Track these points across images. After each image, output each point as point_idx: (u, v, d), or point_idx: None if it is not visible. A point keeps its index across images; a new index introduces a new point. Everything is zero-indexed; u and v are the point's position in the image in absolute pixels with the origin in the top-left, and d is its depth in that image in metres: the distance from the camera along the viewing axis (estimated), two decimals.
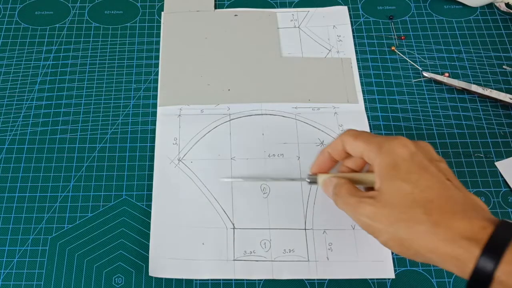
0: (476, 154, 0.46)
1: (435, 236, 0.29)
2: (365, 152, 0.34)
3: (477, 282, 0.27)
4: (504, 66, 0.51)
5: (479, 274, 0.27)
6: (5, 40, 0.54)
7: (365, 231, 0.33)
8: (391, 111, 0.49)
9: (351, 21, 0.55)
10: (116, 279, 0.41)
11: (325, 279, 0.40)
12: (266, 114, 0.48)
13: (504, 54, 0.52)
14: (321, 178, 0.38)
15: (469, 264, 0.27)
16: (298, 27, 0.54)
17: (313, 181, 0.39)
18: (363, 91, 0.50)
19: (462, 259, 0.28)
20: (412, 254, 0.30)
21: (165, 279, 0.40)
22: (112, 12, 0.56)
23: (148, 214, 0.43)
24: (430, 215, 0.29)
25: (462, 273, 0.28)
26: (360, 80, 0.50)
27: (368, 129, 0.47)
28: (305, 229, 0.42)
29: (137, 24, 0.55)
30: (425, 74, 0.50)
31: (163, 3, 0.56)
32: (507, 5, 0.55)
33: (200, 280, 0.40)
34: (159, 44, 0.53)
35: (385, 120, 0.48)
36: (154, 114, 0.49)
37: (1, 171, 0.46)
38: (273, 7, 0.56)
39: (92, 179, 0.45)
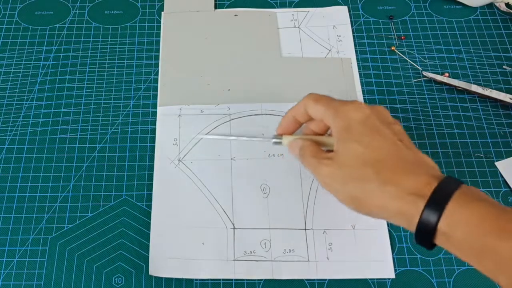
0: (476, 154, 0.46)
1: (384, 194, 0.30)
2: (324, 116, 0.35)
3: (423, 234, 0.29)
4: (504, 66, 0.51)
5: (424, 227, 0.29)
6: (5, 40, 0.54)
7: (324, 189, 0.34)
8: (391, 111, 0.49)
9: (351, 21, 0.55)
10: (116, 279, 0.41)
11: (325, 279, 0.40)
12: (266, 114, 0.48)
13: (504, 54, 0.52)
14: (286, 139, 0.39)
15: (415, 218, 0.29)
16: (298, 27, 0.54)
17: (278, 142, 0.40)
18: (363, 91, 0.50)
19: (409, 213, 0.29)
20: (366, 211, 0.32)
21: (165, 279, 0.40)
22: (112, 12, 0.56)
23: (148, 214, 0.43)
24: (379, 173, 0.31)
25: (409, 227, 0.30)
26: (360, 80, 0.50)
27: None
28: (305, 229, 0.42)
29: (137, 24, 0.55)
30: (425, 74, 0.50)
31: (163, 3, 0.56)
32: (507, 5, 0.55)
33: (200, 280, 0.40)
34: (159, 44, 0.53)
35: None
36: (154, 114, 0.49)
37: (1, 171, 0.46)
38: (273, 7, 0.56)
39: (92, 179, 0.45)
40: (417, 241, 0.30)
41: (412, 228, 0.29)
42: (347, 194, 0.32)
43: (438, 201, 0.28)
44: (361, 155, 0.32)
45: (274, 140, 0.40)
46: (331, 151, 0.35)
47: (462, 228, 0.27)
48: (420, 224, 0.29)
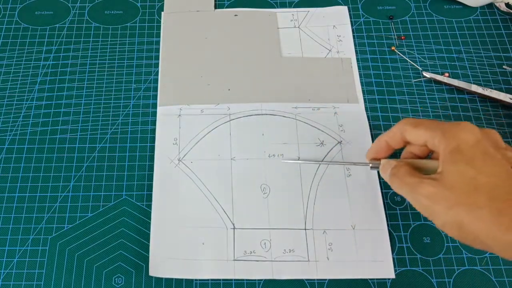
0: None
1: (498, 223, 0.28)
2: (429, 139, 0.33)
3: None
4: (504, 66, 0.51)
5: None
6: (5, 40, 0.54)
7: (421, 213, 0.32)
8: (391, 111, 0.49)
9: (351, 21, 0.55)
10: (116, 279, 0.41)
11: (325, 279, 0.40)
12: (266, 114, 0.48)
13: (504, 54, 0.52)
14: (383, 162, 0.37)
15: None
16: (298, 27, 0.54)
17: (376, 166, 0.38)
18: (363, 91, 0.50)
19: None
20: (470, 239, 0.30)
21: (165, 279, 0.40)
22: (112, 12, 0.56)
23: (148, 214, 0.43)
24: (494, 201, 0.29)
25: None
26: (360, 80, 0.51)
27: (368, 129, 0.47)
28: (305, 229, 0.42)
29: (137, 24, 0.55)
30: (425, 74, 0.50)
31: (163, 3, 0.56)
32: (507, 5, 0.55)
33: (200, 280, 0.40)
34: (159, 44, 0.53)
35: (385, 120, 0.48)
36: (154, 114, 0.49)
37: (1, 171, 0.46)
38: (273, 7, 0.56)
39: (92, 179, 0.45)
40: None
41: None
42: (451, 219, 0.30)
43: None
44: (473, 179, 0.30)
45: (373, 165, 0.38)
46: None
47: None
48: None
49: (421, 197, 0.31)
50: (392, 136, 0.36)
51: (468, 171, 0.30)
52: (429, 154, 0.37)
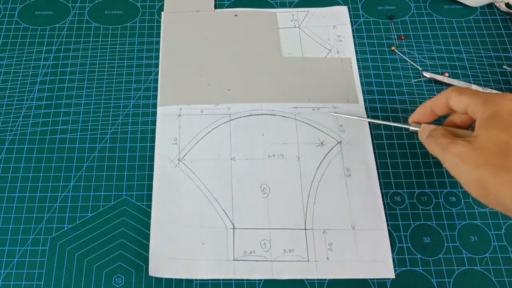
0: None
1: None
2: (470, 106, 0.33)
3: None
4: (504, 66, 0.51)
5: None
6: (5, 40, 0.54)
7: (449, 171, 0.33)
8: (391, 111, 0.49)
9: (351, 21, 0.55)
10: (116, 279, 0.41)
11: (325, 279, 0.40)
12: (266, 114, 0.48)
13: (504, 54, 0.52)
14: (424, 126, 0.38)
15: None
16: (298, 27, 0.54)
17: (416, 130, 0.38)
18: (363, 91, 0.50)
19: None
20: (491, 199, 0.30)
21: (165, 279, 0.40)
22: (112, 12, 0.56)
23: (148, 214, 0.43)
24: None
25: None
26: (360, 80, 0.51)
27: (368, 129, 0.47)
28: (305, 229, 0.42)
29: (137, 24, 0.55)
30: (425, 74, 0.50)
31: (163, 3, 0.56)
32: (507, 5, 0.55)
33: (200, 280, 0.40)
34: (159, 44, 0.53)
35: (385, 120, 0.48)
36: (154, 114, 0.49)
37: (1, 171, 0.46)
38: (273, 7, 0.56)
39: (92, 179, 0.45)
40: None
41: None
42: (476, 178, 0.30)
43: None
44: (504, 144, 0.30)
45: (412, 128, 0.38)
46: None
47: None
48: None
49: (451, 155, 0.32)
50: (436, 102, 0.36)
51: (502, 136, 0.30)
52: (470, 127, 0.37)
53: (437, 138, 0.34)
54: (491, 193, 0.30)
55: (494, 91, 0.48)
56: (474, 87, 0.49)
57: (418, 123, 0.39)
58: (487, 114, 0.32)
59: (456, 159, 0.32)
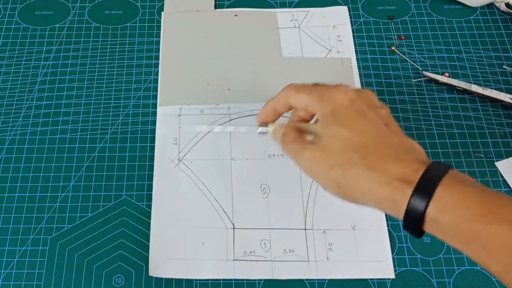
0: (476, 154, 0.46)
1: (370, 179, 0.29)
2: (308, 103, 0.34)
3: (411, 221, 0.28)
4: (504, 66, 0.51)
5: (412, 213, 0.28)
6: (5, 40, 0.54)
7: (308, 175, 0.33)
8: (391, 111, 0.49)
9: (351, 21, 0.55)
10: (116, 279, 0.41)
11: (325, 279, 0.40)
12: None
13: (504, 54, 0.52)
14: (272, 127, 0.39)
15: (402, 204, 0.28)
16: (298, 27, 0.54)
17: (264, 132, 0.39)
18: None
19: (396, 200, 0.28)
20: (351, 198, 0.31)
21: (165, 279, 0.40)
22: (112, 12, 0.56)
23: (148, 214, 0.43)
24: (365, 158, 0.30)
25: (397, 214, 0.29)
26: (360, 80, 0.50)
27: None
28: (305, 229, 0.42)
29: (137, 24, 0.55)
30: (425, 74, 0.50)
31: (163, 3, 0.56)
32: (507, 5, 0.55)
33: (200, 280, 0.40)
34: (159, 44, 0.53)
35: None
36: (154, 114, 0.49)
37: (1, 171, 0.46)
38: (273, 7, 0.56)
39: (92, 179, 0.45)
40: (405, 229, 0.29)
41: (400, 215, 0.29)
42: (330, 179, 0.31)
43: (426, 187, 0.28)
44: (346, 140, 0.31)
45: (260, 129, 0.39)
46: None
47: (451, 213, 0.27)
48: (408, 211, 0.28)
49: (303, 161, 0.33)
50: (278, 101, 0.37)
51: (342, 132, 0.31)
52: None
53: (290, 145, 0.35)
54: (345, 190, 0.31)
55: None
56: (474, 87, 0.49)
57: (266, 123, 0.39)
58: (325, 110, 0.33)
59: (309, 164, 0.33)
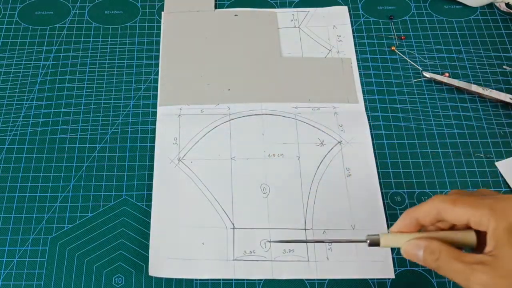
0: (476, 154, 0.46)
1: None
2: (473, 218, 0.30)
3: None
4: (504, 66, 0.51)
5: None
6: (5, 40, 0.54)
7: None
8: (391, 111, 0.49)
9: (351, 21, 0.55)
10: (116, 279, 0.41)
11: (325, 279, 0.40)
12: (266, 114, 0.48)
13: (504, 54, 0.52)
14: (386, 239, 0.33)
15: None
16: (298, 27, 0.54)
17: (375, 243, 0.33)
18: (363, 91, 0.50)
19: None
20: None
21: (165, 279, 0.40)
22: (112, 12, 0.56)
23: (148, 214, 0.43)
24: None
25: None
26: (360, 80, 0.50)
27: (368, 129, 0.47)
28: (305, 229, 0.42)
29: (137, 24, 0.55)
30: (425, 74, 0.50)
31: (163, 3, 0.56)
32: (507, 5, 0.55)
33: (200, 280, 0.40)
34: (159, 44, 0.53)
35: (385, 120, 0.48)
36: (154, 114, 0.49)
37: (1, 171, 0.46)
38: (273, 7, 0.56)
39: (92, 179, 0.45)
40: None
41: None
42: None
43: None
44: None
45: (370, 240, 0.33)
46: (460, 248, 0.31)
47: None
48: None
49: (476, 285, 0.29)
50: (425, 214, 0.32)
51: None
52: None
53: (450, 264, 0.30)
54: None
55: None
56: (474, 87, 0.49)
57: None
58: (501, 228, 0.29)
59: None
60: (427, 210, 0.32)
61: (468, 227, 0.32)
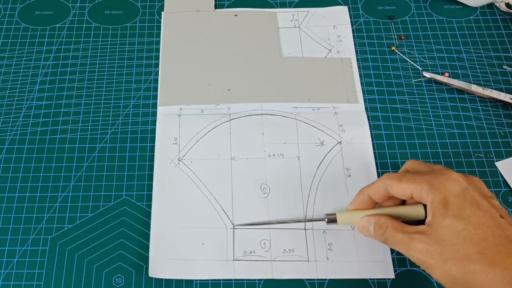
0: (476, 154, 0.46)
1: (492, 277, 0.28)
2: (415, 192, 0.33)
3: None
4: (504, 66, 0.51)
5: None
6: (5, 40, 0.54)
7: (419, 266, 0.33)
8: (391, 111, 0.49)
9: (351, 21, 0.55)
10: (116, 279, 0.41)
11: (325, 279, 0.40)
12: (266, 114, 0.48)
13: (504, 54, 0.52)
14: (342, 216, 0.38)
15: None
16: (298, 27, 0.54)
17: (332, 220, 0.38)
18: (363, 91, 0.50)
19: None
20: None
21: (165, 279, 0.40)
22: (112, 12, 0.56)
23: (148, 214, 0.43)
24: (484, 254, 0.29)
25: None
26: (360, 80, 0.51)
27: (368, 129, 0.47)
28: (305, 229, 0.42)
29: (137, 24, 0.55)
30: (425, 74, 0.50)
31: (163, 3, 0.56)
32: (507, 5, 0.55)
33: (200, 280, 0.40)
34: (159, 44, 0.53)
35: (385, 120, 0.48)
36: (154, 114, 0.49)
37: (1, 171, 0.46)
38: (273, 7, 0.56)
39: (92, 179, 0.45)
40: None
41: None
42: (445, 273, 0.30)
43: None
44: (461, 232, 0.30)
45: (328, 218, 0.38)
46: (415, 222, 0.34)
47: None
48: None
49: (415, 253, 0.32)
50: (375, 190, 0.36)
51: (456, 224, 0.30)
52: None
53: (394, 235, 0.34)
54: (462, 286, 0.30)
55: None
56: (474, 87, 0.49)
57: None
58: (436, 200, 0.32)
59: (421, 257, 0.32)
60: (377, 186, 0.36)
61: (418, 202, 0.35)
